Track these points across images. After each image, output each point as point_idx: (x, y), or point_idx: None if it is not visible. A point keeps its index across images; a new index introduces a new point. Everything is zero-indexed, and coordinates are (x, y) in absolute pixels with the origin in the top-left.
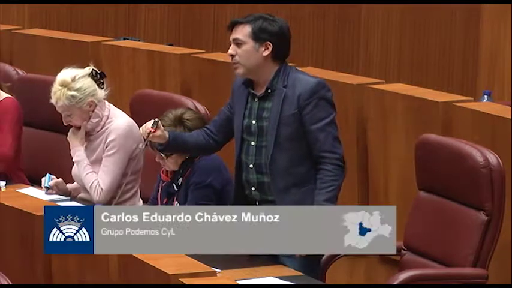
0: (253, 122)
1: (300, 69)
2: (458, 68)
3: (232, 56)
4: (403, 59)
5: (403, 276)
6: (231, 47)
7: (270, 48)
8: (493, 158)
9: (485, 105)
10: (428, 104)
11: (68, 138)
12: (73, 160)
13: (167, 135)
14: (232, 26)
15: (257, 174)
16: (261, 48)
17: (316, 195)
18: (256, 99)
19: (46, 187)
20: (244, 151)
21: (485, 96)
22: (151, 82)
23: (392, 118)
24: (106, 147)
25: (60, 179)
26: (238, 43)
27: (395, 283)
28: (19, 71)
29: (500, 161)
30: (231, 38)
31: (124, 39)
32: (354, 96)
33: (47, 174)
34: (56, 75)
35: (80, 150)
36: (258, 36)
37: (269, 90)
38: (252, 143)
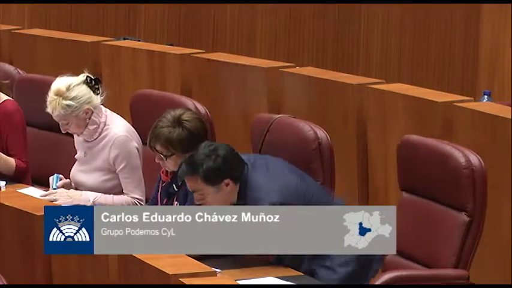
0: None
1: (298, 68)
2: (458, 68)
3: (201, 200)
4: (403, 59)
5: (388, 276)
6: (195, 195)
7: (231, 182)
8: (474, 159)
9: (485, 105)
10: (428, 104)
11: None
12: (92, 204)
13: None
14: (183, 179)
15: None
16: (223, 187)
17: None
18: None
19: (54, 189)
20: None
21: (485, 96)
22: (151, 82)
23: (392, 118)
24: (114, 164)
25: (68, 180)
26: (201, 193)
27: (378, 283)
28: (19, 71)
29: (482, 162)
30: (191, 189)
31: (124, 39)
32: (354, 96)
33: (55, 175)
34: (56, 75)
35: (86, 194)
36: (213, 181)
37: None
38: None
